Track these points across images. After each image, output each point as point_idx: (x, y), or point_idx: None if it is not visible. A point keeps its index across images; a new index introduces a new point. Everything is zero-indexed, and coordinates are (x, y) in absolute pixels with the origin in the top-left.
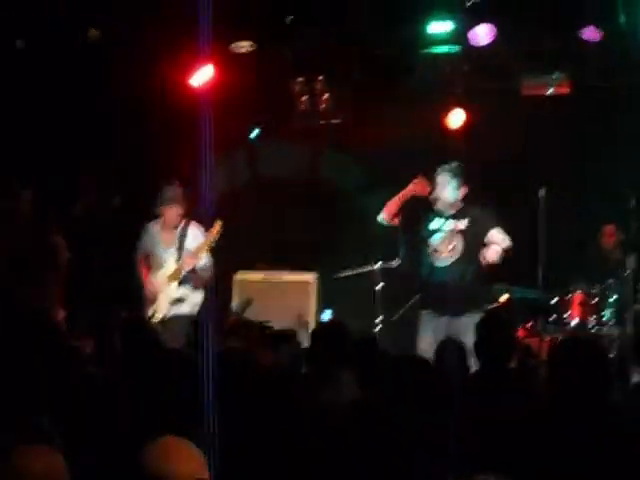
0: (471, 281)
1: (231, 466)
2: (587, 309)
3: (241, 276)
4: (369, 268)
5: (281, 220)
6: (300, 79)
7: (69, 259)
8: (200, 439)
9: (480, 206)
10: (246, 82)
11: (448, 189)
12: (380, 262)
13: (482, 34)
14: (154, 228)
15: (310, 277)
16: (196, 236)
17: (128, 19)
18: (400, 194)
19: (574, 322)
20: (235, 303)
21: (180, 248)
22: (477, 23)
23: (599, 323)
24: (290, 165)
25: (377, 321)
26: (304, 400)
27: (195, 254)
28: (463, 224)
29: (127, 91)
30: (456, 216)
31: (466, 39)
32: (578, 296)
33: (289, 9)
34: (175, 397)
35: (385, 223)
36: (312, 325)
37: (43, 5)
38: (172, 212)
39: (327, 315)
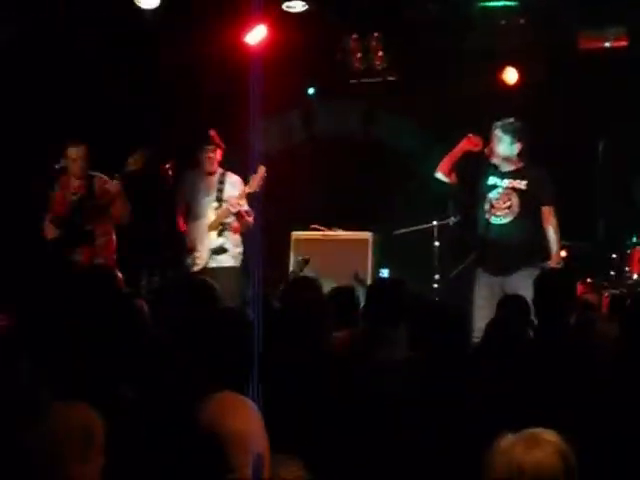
0: (527, 239)
1: (285, 422)
2: None
3: (297, 235)
4: (426, 226)
5: (337, 179)
6: (355, 36)
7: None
8: (254, 395)
9: (539, 168)
10: (300, 40)
11: (503, 145)
12: (436, 220)
13: None
14: (192, 176)
15: (367, 235)
16: (234, 184)
17: None
18: (453, 150)
19: (635, 277)
20: (292, 262)
21: (219, 197)
22: None
23: None
24: (345, 123)
25: (435, 278)
26: (359, 358)
27: (237, 200)
28: (522, 184)
29: (183, 52)
30: (514, 174)
31: None
32: (638, 251)
33: None
34: (232, 354)
35: (443, 179)
36: (369, 283)
37: None
38: (210, 156)
39: (384, 274)
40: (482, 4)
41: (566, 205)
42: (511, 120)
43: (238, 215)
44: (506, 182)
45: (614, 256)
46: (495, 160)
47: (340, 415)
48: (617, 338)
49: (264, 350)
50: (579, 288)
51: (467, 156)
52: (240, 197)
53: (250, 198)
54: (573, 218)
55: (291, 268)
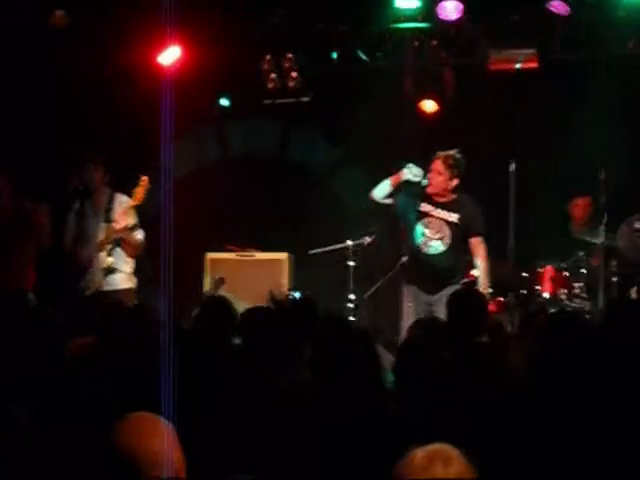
0: (455, 265)
1: (194, 441)
2: (558, 283)
3: (213, 256)
4: (341, 245)
5: (252, 199)
6: (268, 57)
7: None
8: (169, 415)
9: (471, 202)
10: (215, 60)
11: (441, 178)
12: (350, 240)
13: (451, 9)
14: (80, 204)
15: (283, 255)
16: (123, 203)
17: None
18: (391, 178)
19: (545, 296)
20: (208, 282)
21: (108, 217)
22: None
23: (570, 297)
24: (260, 143)
25: (350, 298)
26: (266, 378)
27: (121, 216)
28: (454, 217)
29: (95, 71)
30: (447, 206)
31: (434, 15)
32: (548, 270)
33: None
34: (142, 375)
35: (378, 199)
36: (284, 303)
37: None
38: (88, 174)
39: (296, 296)
40: (395, 25)
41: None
42: (453, 153)
43: (123, 233)
44: (439, 213)
45: (525, 275)
46: (430, 190)
47: (245, 436)
48: (527, 357)
49: (180, 369)
50: (491, 307)
51: (403, 184)
52: (124, 213)
53: (143, 214)
54: (485, 238)
55: (206, 288)
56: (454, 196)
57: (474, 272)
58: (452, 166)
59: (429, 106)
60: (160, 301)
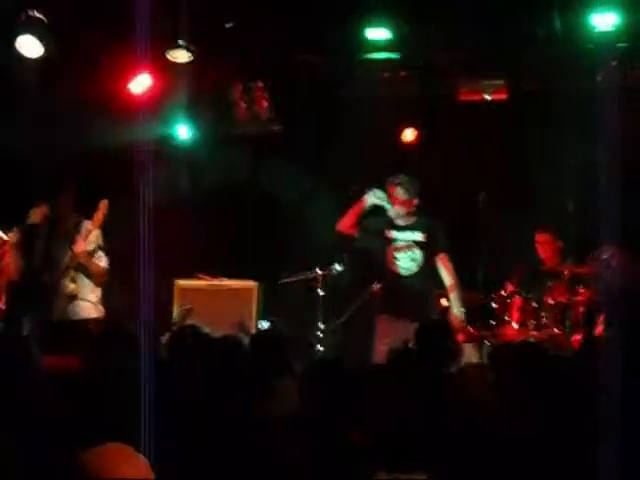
0: (428, 287)
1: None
2: (526, 313)
3: (182, 284)
4: (311, 274)
5: (221, 228)
6: (239, 85)
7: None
8: (139, 447)
9: (431, 219)
10: (184, 89)
11: (400, 200)
12: (319, 269)
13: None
14: (48, 230)
15: (252, 284)
16: (86, 227)
17: (67, 29)
18: (357, 204)
19: (514, 326)
20: (176, 311)
21: (72, 245)
22: (415, 29)
23: (538, 327)
24: (230, 172)
25: (320, 327)
26: (242, 409)
27: (81, 240)
28: (419, 236)
29: (67, 98)
30: (411, 228)
31: (404, 45)
32: (517, 300)
33: (228, 15)
34: (115, 406)
35: (344, 230)
36: (254, 332)
37: None
38: (65, 201)
39: (264, 325)
40: (364, 56)
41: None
42: (406, 177)
43: (82, 258)
44: (405, 235)
45: (494, 305)
46: (391, 213)
47: (224, 465)
48: (494, 388)
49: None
50: (460, 337)
51: (368, 210)
52: (84, 237)
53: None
54: (454, 268)
55: (174, 318)
56: (415, 218)
57: (443, 301)
58: (408, 188)
59: (409, 134)
60: (136, 330)
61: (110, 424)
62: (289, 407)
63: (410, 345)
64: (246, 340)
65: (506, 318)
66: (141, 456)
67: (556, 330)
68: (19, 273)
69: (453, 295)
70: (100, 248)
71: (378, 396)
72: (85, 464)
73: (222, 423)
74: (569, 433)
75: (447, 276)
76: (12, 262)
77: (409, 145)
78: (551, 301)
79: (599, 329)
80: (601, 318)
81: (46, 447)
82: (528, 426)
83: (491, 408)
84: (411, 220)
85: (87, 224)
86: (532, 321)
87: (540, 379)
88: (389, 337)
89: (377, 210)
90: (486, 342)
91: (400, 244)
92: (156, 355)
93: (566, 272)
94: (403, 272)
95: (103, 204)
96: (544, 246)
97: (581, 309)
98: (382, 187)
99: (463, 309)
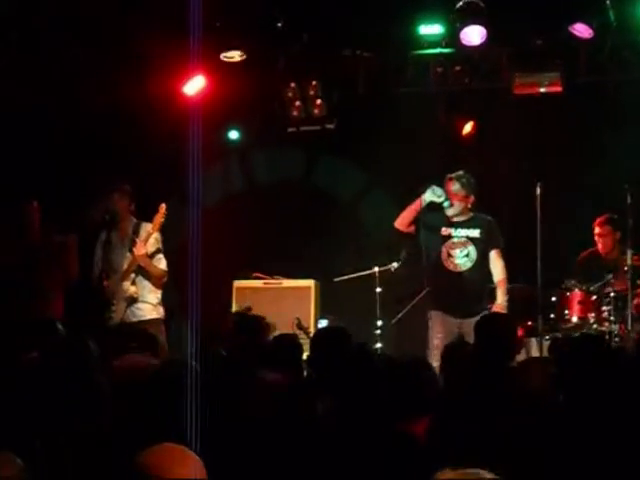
0: (482, 284)
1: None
2: (586, 307)
3: (240, 284)
4: (368, 272)
5: (278, 227)
6: (292, 84)
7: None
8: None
9: (487, 217)
10: (239, 89)
11: (458, 197)
12: (377, 266)
13: (474, 34)
14: (106, 234)
15: (309, 282)
16: (146, 230)
17: (120, 31)
18: (415, 202)
19: (574, 320)
20: (235, 310)
21: (132, 247)
22: (466, 24)
23: (599, 320)
24: (285, 171)
25: (377, 324)
26: (304, 407)
27: (142, 243)
28: (475, 233)
29: (120, 102)
30: (467, 224)
31: (457, 40)
32: (577, 294)
33: (279, 14)
34: (167, 406)
35: (402, 228)
36: (312, 330)
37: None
38: (122, 204)
39: (323, 324)
40: (418, 52)
41: (506, 248)
42: (463, 173)
43: (142, 261)
44: (461, 232)
45: (554, 299)
46: (449, 211)
47: (279, 463)
48: (555, 382)
49: (210, 399)
50: (520, 331)
51: (426, 206)
52: (144, 240)
53: (170, 243)
54: (513, 261)
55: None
56: (472, 214)
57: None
58: (466, 185)
59: (467, 127)
60: (188, 331)
61: (166, 424)
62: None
63: (465, 340)
64: (304, 339)
65: (566, 312)
66: (195, 456)
67: (616, 323)
68: (77, 276)
69: (501, 290)
70: (159, 250)
71: (440, 390)
72: (143, 464)
73: (281, 420)
74: (630, 426)
75: (498, 272)
76: (70, 264)
77: (465, 140)
78: (612, 294)
79: None
80: None
81: (107, 447)
82: (590, 419)
83: (553, 401)
84: (468, 216)
85: (147, 227)
86: (592, 314)
87: (601, 372)
88: (443, 332)
89: (434, 206)
90: (546, 336)
91: (456, 241)
92: (211, 354)
93: (627, 264)
94: (457, 268)
95: (162, 207)
96: (604, 238)
97: None
98: (439, 183)
99: (506, 304)
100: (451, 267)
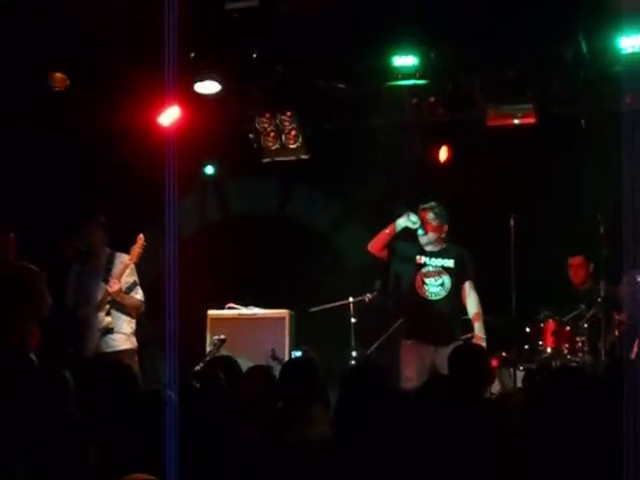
0: (456, 314)
1: None
2: (560, 337)
3: (214, 314)
4: (343, 302)
5: (252, 257)
6: (267, 115)
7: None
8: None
9: (460, 247)
10: (214, 120)
11: (433, 227)
12: (352, 297)
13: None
14: (80, 265)
15: (284, 313)
16: (122, 261)
17: (94, 61)
18: (389, 227)
19: (548, 350)
20: (209, 341)
21: (106, 277)
22: (440, 54)
23: (573, 351)
24: (260, 202)
25: (353, 355)
26: (275, 436)
27: (119, 275)
28: (450, 263)
29: (95, 132)
30: (441, 254)
31: (431, 71)
32: (550, 324)
33: (254, 45)
34: (147, 435)
35: (375, 251)
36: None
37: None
38: (96, 235)
39: (298, 354)
40: (392, 83)
41: (480, 280)
42: (436, 204)
43: (117, 296)
44: (435, 261)
45: (527, 330)
46: (423, 239)
47: None
48: (529, 413)
49: (185, 430)
50: (494, 362)
51: (398, 235)
52: (120, 273)
53: (145, 273)
54: (487, 292)
55: (208, 348)
56: (446, 245)
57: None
58: (439, 215)
59: (443, 153)
60: (164, 361)
61: (140, 455)
62: (321, 434)
63: (437, 370)
64: (278, 369)
65: (540, 342)
66: None
67: (590, 354)
68: (49, 308)
69: (477, 324)
70: (136, 282)
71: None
72: None
73: (253, 450)
74: (609, 457)
75: (473, 305)
76: (42, 297)
77: (439, 170)
78: (585, 325)
79: (634, 351)
80: (637, 341)
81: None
82: (565, 450)
83: (525, 433)
84: (441, 246)
85: (121, 257)
86: (566, 345)
87: (578, 403)
88: (415, 362)
89: (409, 234)
90: (520, 367)
91: (431, 269)
92: (186, 385)
93: (600, 295)
94: (431, 297)
95: (140, 238)
96: (577, 269)
97: (615, 332)
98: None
99: (485, 336)
100: (425, 295)
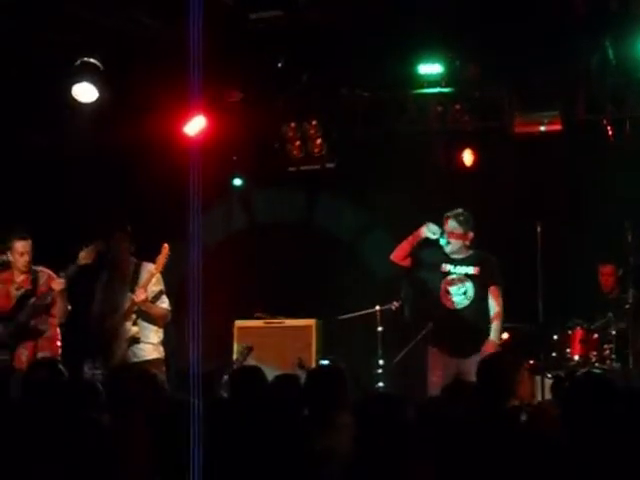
0: (481, 322)
1: None
2: (588, 345)
3: (241, 324)
4: (369, 311)
5: (279, 267)
6: (292, 124)
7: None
8: None
9: (486, 254)
10: (239, 129)
11: (456, 235)
12: (378, 305)
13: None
14: (107, 275)
15: (310, 322)
16: (149, 271)
17: (122, 73)
18: (411, 237)
19: (576, 358)
20: (236, 350)
21: (133, 287)
22: (467, 62)
23: (601, 359)
24: (286, 211)
25: (379, 363)
26: (301, 445)
27: (145, 285)
28: (474, 270)
29: (121, 142)
30: (465, 261)
31: (457, 79)
32: (578, 332)
33: (279, 55)
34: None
35: (397, 261)
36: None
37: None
38: (122, 244)
39: (324, 363)
40: (417, 91)
41: (507, 287)
42: (461, 211)
43: (143, 306)
44: (459, 269)
45: (555, 337)
46: (448, 249)
47: None
48: (557, 422)
49: (209, 438)
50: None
51: (422, 243)
52: (146, 283)
53: (171, 282)
54: (514, 300)
55: (235, 357)
56: (471, 251)
57: (504, 335)
58: (463, 222)
59: (468, 157)
60: (189, 370)
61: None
62: (346, 442)
63: (461, 378)
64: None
65: (568, 350)
66: None
67: (618, 362)
68: (65, 316)
69: (495, 324)
70: (162, 291)
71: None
72: None
73: (278, 458)
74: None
75: (494, 306)
76: (61, 308)
77: (465, 178)
78: (613, 332)
79: None
80: None
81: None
82: (595, 458)
83: (555, 440)
84: (466, 253)
85: (148, 267)
86: (594, 352)
87: (605, 411)
88: (441, 369)
89: (433, 243)
90: (548, 374)
91: (453, 277)
92: (208, 396)
93: (628, 302)
94: (455, 306)
95: (165, 248)
96: (608, 277)
97: None
98: (439, 221)
99: (498, 340)
100: (449, 304)
